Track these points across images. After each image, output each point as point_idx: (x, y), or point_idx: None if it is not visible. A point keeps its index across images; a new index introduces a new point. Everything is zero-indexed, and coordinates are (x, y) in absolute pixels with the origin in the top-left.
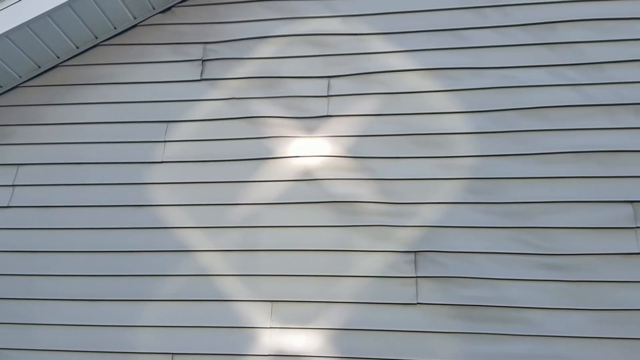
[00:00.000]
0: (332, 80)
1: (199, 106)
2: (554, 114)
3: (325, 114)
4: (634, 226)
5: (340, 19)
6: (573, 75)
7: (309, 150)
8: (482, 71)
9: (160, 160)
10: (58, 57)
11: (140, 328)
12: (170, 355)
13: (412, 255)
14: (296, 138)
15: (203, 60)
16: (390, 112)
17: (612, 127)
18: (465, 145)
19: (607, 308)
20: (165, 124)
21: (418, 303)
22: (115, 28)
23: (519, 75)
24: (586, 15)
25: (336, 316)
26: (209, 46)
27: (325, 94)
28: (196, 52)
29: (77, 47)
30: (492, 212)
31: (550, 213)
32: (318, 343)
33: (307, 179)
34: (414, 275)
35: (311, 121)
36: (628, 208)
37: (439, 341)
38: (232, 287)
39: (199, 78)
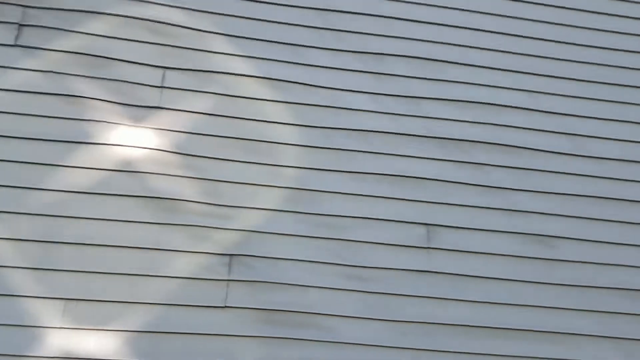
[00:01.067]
0: (168, 72)
1: (9, 74)
2: (372, 138)
3: (157, 105)
4: (427, 246)
5: (183, 11)
6: (393, 105)
7: (132, 140)
8: (315, 89)
9: None
10: None
11: None
12: None
13: (227, 258)
14: (120, 125)
15: (20, 25)
16: (224, 114)
17: (419, 156)
18: (291, 156)
19: (399, 320)
20: None
21: (226, 306)
22: None
23: (347, 98)
24: (412, 53)
25: (139, 318)
26: (29, 10)
27: (159, 85)
28: (13, 14)
29: None
30: (307, 222)
31: (358, 228)
32: (114, 345)
33: (126, 170)
34: (227, 278)
35: (140, 110)
36: (423, 229)
37: (244, 344)
38: (22, 281)
39: (12, 43)
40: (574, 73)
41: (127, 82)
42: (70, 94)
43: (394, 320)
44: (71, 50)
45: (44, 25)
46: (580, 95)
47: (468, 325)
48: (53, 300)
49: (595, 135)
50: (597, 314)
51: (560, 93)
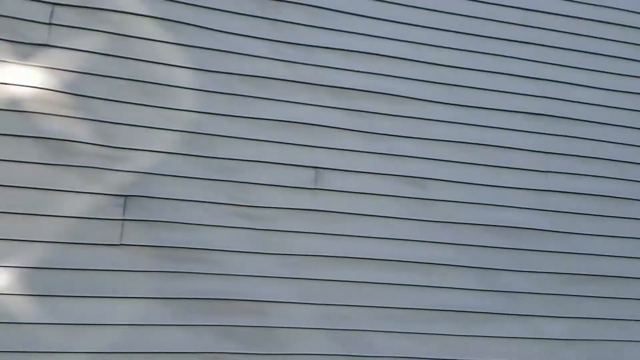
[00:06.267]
0: (57, 8)
1: None
2: (267, 84)
3: (45, 43)
4: (314, 187)
5: None
6: (288, 52)
7: (19, 79)
8: (212, 32)
9: None
10: None
11: None
12: None
13: (122, 199)
14: (6, 63)
15: None
16: (116, 54)
17: (311, 103)
18: (186, 100)
19: (284, 253)
20: None
21: (122, 244)
22: None
23: (244, 43)
24: (309, 2)
25: (32, 255)
26: None
27: (47, 22)
28: None
29: None
30: (202, 165)
31: (251, 170)
32: (10, 281)
33: (13, 110)
34: (121, 217)
35: (27, 47)
36: (311, 172)
37: (139, 279)
38: None
39: None
40: (454, 25)
41: (12, 17)
42: None
43: (281, 254)
44: None
45: None
46: (462, 48)
47: (349, 257)
48: None
49: (468, 85)
50: (461, 247)
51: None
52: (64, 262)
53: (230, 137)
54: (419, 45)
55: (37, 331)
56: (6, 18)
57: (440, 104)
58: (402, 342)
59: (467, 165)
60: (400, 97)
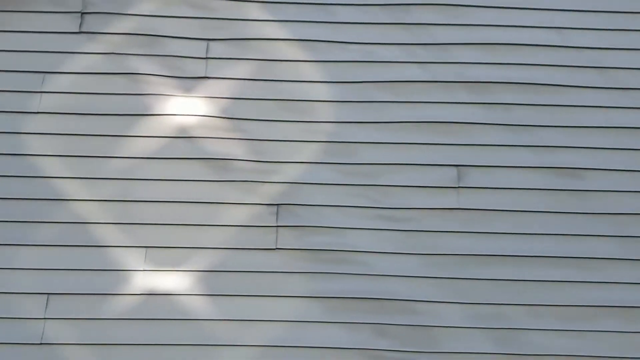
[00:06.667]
0: (211, 43)
1: (77, 59)
2: (402, 88)
3: (203, 75)
4: (457, 186)
5: None
6: (422, 53)
7: (185, 109)
8: (346, 45)
9: (36, 111)
10: None
11: (15, 271)
12: (46, 296)
13: (274, 208)
14: (173, 97)
15: (82, 13)
16: (263, 78)
17: (449, 101)
18: (326, 112)
19: (430, 253)
20: (42, 75)
21: (277, 248)
22: None
23: (377, 51)
24: (437, 0)
25: (204, 260)
26: None
27: (204, 56)
28: (75, 4)
29: None
30: (343, 172)
31: (391, 173)
32: (187, 283)
33: (182, 137)
34: (275, 224)
35: (189, 81)
36: (454, 171)
37: (292, 280)
38: (108, 234)
39: (77, 30)
40: (599, 5)
41: (175, 56)
42: (128, 72)
43: (427, 254)
44: (126, 32)
45: (102, 11)
46: (608, 28)
47: (498, 255)
48: (136, 249)
49: (622, 66)
50: (623, 239)
51: (588, 27)
52: (230, 265)
53: (369, 142)
54: (562, 29)
55: (211, 327)
56: (169, 57)
57: (590, 89)
58: (563, 340)
59: (625, 151)
60: (545, 86)
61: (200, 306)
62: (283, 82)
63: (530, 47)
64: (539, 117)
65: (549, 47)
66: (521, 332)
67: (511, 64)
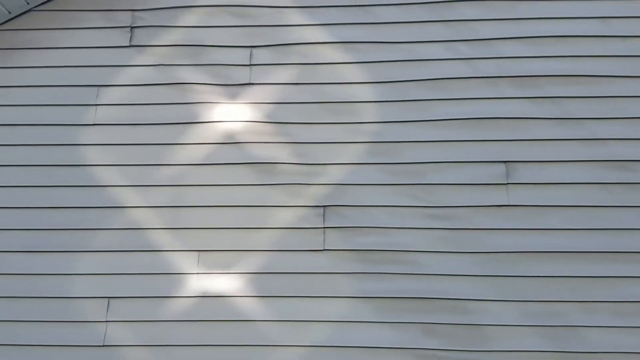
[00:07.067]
0: (254, 50)
1: (129, 72)
2: (446, 85)
3: (248, 82)
4: (506, 182)
5: None
6: (465, 50)
7: (231, 116)
8: (387, 45)
9: (92, 123)
10: None
11: (77, 276)
12: (107, 299)
13: (321, 209)
14: (220, 104)
15: (132, 27)
16: (306, 82)
17: (494, 97)
18: (369, 113)
19: (480, 251)
20: (96, 88)
21: (325, 249)
22: None
23: (419, 50)
24: None
25: (254, 262)
26: (137, 13)
27: (248, 63)
28: (125, 19)
29: (10, 13)
30: (388, 172)
31: (437, 171)
32: (238, 285)
33: (229, 142)
34: (322, 226)
35: (234, 88)
36: (501, 167)
37: (341, 281)
38: (162, 239)
39: (128, 44)
40: None
41: (220, 64)
42: (176, 82)
43: (477, 252)
44: (173, 44)
45: (150, 25)
46: None
47: (549, 252)
48: (189, 253)
49: None
50: None
51: (634, 15)
52: (279, 267)
53: (414, 141)
54: (608, 19)
55: (262, 327)
56: (214, 65)
57: (637, 79)
58: (620, 336)
59: None
60: (593, 77)
61: (252, 307)
62: (326, 85)
63: (576, 38)
64: (587, 109)
65: (595, 38)
66: (576, 329)
67: (557, 57)
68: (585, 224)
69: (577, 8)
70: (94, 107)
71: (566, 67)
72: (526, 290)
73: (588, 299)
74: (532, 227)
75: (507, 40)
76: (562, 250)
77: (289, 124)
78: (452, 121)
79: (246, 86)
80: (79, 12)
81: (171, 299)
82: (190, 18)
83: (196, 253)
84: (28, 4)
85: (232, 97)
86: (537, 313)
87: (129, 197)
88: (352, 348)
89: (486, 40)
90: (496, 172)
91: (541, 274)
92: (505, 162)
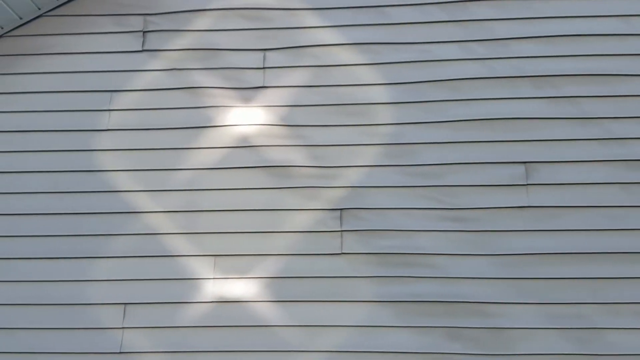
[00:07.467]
0: (268, 53)
1: (142, 76)
2: (462, 86)
3: (261, 85)
4: (525, 183)
5: None
6: (480, 50)
7: (245, 119)
8: (402, 46)
9: (106, 128)
10: (2, 28)
11: (93, 282)
12: (123, 305)
13: (338, 212)
14: (233, 107)
15: (144, 32)
16: (320, 84)
17: (512, 97)
18: (385, 114)
19: (501, 253)
20: (109, 94)
21: (342, 253)
22: None
23: (434, 50)
24: None
25: (271, 266)
26: (149, 18)
27: (261, 66)
28: (137, 23)
29: (21, 18)
30: (405, 174)
31: (455, 173)
32: (255, 289)
33: (244, 146)
34: (339, 229)
35: (248, 92)
36: (521, 168)
37: (360, 285)
38: (178, 244)
39: (140, 49)
40: None
41: (234, 68)
42: (190, 86)
43: (497, 254)
44: (186, 48)
45: (162, 29)
46: None
47: (570, 253)
48: (205, 257)
49: None
50: None
51: None
52: (296, 271)
53: (430, 143)
54: (628, 17)
55: (281, 332)
56: (228, 69)
57: None
58: None
59: None
60: (612, 76)
61: (270, 312)
62: (340, 87)
63: (595, 37)
64: (606, 108)
65: (614, 36)
66: (599, 331)
67: (574, 56)
68: (606, 224)
69: (595, 6)
70: (108, 112)
71: (584, 66)
72: (548, 293)
73: (610, 300)
74: (552, 228)
75: (523, 40)
76: (584, 252)
77: (303, 127)
78: (469, 122)
79: (260, 89)
80: (91, 17)
81: (188, 304)
82: (203, 21)
83: (212, 258)
84: (39, 9)
85: (246, 100)
86: (560, 315)
87: (143, 202)
88: (373, 353)
89: (502, 40)
90: (516, 173)
91: (563, 275)
92: (524, 162)
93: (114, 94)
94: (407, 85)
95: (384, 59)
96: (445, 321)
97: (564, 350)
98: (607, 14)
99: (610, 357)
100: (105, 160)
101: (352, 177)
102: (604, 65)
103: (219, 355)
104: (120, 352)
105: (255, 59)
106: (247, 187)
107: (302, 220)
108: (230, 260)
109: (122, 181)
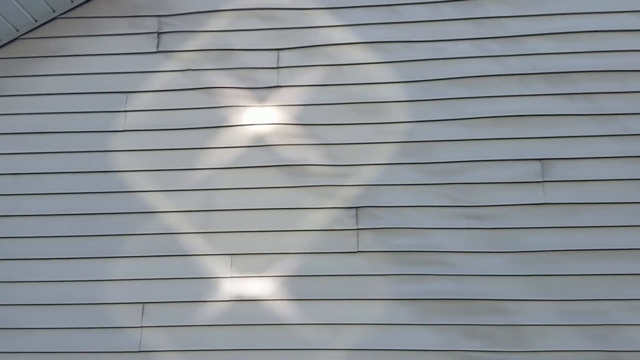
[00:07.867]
0: (282, 53)
1: (157, 77)
2: (476, 83)
3: (275, 85)
4: (542, 180)
5: None
6: (494, 47)
7: (260, 119)
8: (415, 44)
9: (122, 129)
10: (17, 30)
11: (111, 282)
12: (141, 305)
13: (353, 211)
14: (248, 107)
15: (159, 33)
16: (334, 83)
17: (526, 94)
18: (399, 112)
19: (518, 250)
20: (125, 95)
21: (359, 251)
22: (72, 1)
23: (448, 48)
24: None
25: (288, 265)
26: (163, 19)
27: (275, 66)
28: (151, 25)
29: (36, 21)
30: (421, 171)
31: (471, 171)
32: (272, 288)
33: (259, 145)
34: (355, 227)
35: (262, 91)
36: (537, 165)
37: (377, 283)
38: (195, 243)
39: (155, 50)
40: None
41: (248, 68)
42: (205, 86)
43: (514, 252)
44: (200, 48)
45: (176, 30)
46: None
47: (587, 249)
48: (222, 256)
49: None
50: None
51: None
52: (313, 270)
53: (445, 140)
54: None
55: (299, 331)
56: (242, 69)
57: None
58: None
59: None
60: (628, 72)
61: (287, 311)
62: (354, 86)
63: (609, 33)
64: (623, 104)
65: (630, 32)
66: (618, 328)
67: (589, 52)
68: (623, 220)
69: (609, 2)
70: (124, 113)
71: (599, 62)
72: (565, 289)
73: (629, 296)
74: (569, 225)
75: (537, 37)
76: (600, 248)
77: (318, 126)
78: (485, 119)
79: (274, 89)
80: (105, 18)
81: (206, 303)
82: (217, 22)
83: (229, 257)
84: (54, 11)
85: (261, 100)
86: (578, 312)
87: (160, 202)
88: (392, 351)
89: (516, 37)
90: (532, 170)
91: (580, 272)
92: (540, 159)
93: (130, 95)
94: (421, 83)
95: (398, 57)
96: (463, 319)
97: (582, 347)
98: (621, 10)
99: (629, 354)
100: (122, 161)
101: (368, 175)
102: (619, 61)
103: (236, 354)
104: (140, 351)
105: (269, 59)
106: (262, 186)
107: (318, 219)
108: (246, 259)
109: (139, 181)
